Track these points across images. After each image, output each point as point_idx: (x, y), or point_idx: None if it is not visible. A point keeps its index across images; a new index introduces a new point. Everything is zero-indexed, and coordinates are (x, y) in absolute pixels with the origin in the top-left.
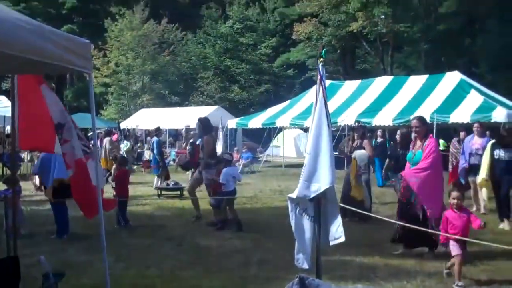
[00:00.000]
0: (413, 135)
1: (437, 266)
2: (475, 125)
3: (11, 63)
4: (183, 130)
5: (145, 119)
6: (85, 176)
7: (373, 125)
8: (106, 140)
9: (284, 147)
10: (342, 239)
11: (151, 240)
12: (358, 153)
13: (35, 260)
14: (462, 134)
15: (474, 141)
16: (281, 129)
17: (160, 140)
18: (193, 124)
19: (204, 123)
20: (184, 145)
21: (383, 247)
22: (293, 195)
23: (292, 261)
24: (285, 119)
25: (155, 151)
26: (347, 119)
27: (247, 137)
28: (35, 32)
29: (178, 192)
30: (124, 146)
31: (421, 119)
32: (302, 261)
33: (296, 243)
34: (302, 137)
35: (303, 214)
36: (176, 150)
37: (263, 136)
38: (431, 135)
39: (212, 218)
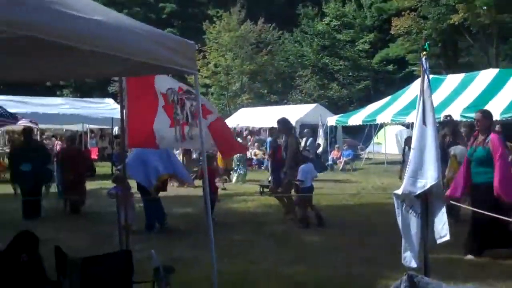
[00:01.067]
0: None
1: None
2: None
3: (122, 65)
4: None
5: (244, 118)
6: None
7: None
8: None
9: (385, 143)
10: (447, 237)
11: (255, 237)
12: (458, 149)
13: (146, 254)
14: None
15: None
16: (382, 126)
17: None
18: (292, 122)
19: (284, 124)
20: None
21: None
22: (399, 191)
23: (397, 259)
24: (386, 115)
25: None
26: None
27: (347, 134)
28: (147, 36)
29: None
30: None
31: (484, 112)
32: (409, 259)
33: (403, 240)
34: (404, 133)
35: (410, 211)
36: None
37: (364, 133)
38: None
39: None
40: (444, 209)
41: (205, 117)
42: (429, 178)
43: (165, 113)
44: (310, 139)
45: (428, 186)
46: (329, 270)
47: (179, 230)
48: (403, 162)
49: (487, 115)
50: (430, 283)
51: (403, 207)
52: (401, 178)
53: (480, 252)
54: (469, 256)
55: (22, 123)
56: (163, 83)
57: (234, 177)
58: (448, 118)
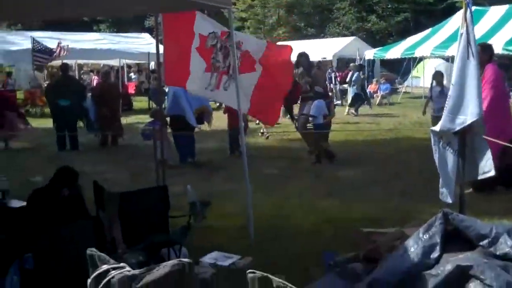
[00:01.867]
0: None
1: None
2: None
3: (156, 2)
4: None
5: None
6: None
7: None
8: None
9: (424, 77)
10: (492, 173)
11: (289, 171)
12: None
13: (182, 189)
14: None
15: None
16: (421, 59)
17: None
18: (329, 56)
19: (307, 58)
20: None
21: None
22: (437, 128)
23: (433, 195)
24: (426, 48)
25: None
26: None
27: (385, 67)
28: None
29: None
30: None
31: (482, 45)
32: (445, 195)
33: (440, 177)
34: (442, 67)
35: (447, 147)
36: None
37: (402, 67)
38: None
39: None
40: (486, 145)
41: (252, 68)
42: (469, 114)
43: (199, 55)
44: (356, 73)
45: (468, 122)
46: (363, 205)
47: (212, 164)
48: (430, 98)
49: (485, 48)
50: (465, 220)
51: (440, 144)
52: (424, 113)
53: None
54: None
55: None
56: (205, 25)
57: None
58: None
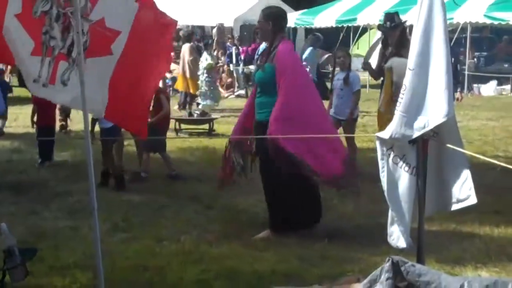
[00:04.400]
0: None
1: None
2: None
3: None
4: (214, 30)
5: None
6: None
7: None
8: (186, 48)
9: (371, 56)
10: (473, 200)
11: (167, 200)
12: (396, 62)
13: None
14: None
15: None
16: (365, 30)
17: None
18: (229, 21)
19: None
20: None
21: None
22: (385, 134)
23: (380, 235)
24: (371, 13)
25: None
26: (471, 14)
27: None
28: None
29: (207, 127)
30: (204, 59)
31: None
32: (396, 237)
33: (389, 209)
34: None
35: (400, 163)
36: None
37: (338, 40)
38: None
39: None
40: (465, 159)
41: (108, 49)
42: (433, 114)
43: (23, 28)
44: (309, 49)
45: (431, 126)
46: (276, 251)
47: (50, 188)
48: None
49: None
50: (424, 273)
51: (391, 158)
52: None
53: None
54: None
55: None
56: None
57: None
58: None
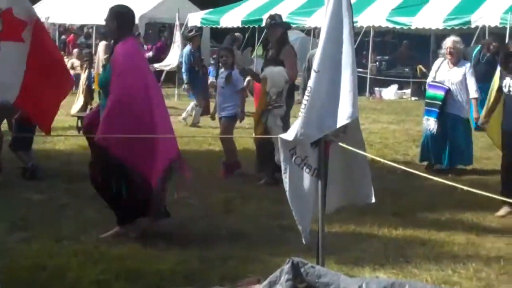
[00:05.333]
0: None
1: (497, 245)
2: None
3: None
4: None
5: (58, 8)
6: None
7: (412, 27)
8: (101, 46)
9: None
10: (371, 199)
11: (68, 198)
12: (269, 72)
13: None
14: None
15: None
16: None
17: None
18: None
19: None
20: None
21: (418, 215)
22: (288, 135)
23: (282, 236)
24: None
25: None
26: (374, 18)
27: (216, 41)
28: None
29: None
30: None
31: None
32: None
33: (292, 208)
34: (304, 44)
35: (302, 165)
36: None
37: (243, 40)
38: None
39: None
40: (365, 161)
41: (19, 37)
42: (337, 115)
43: None
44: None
45: (334, 128)
46: (181, 252)
47: None
48: (303, 89)
49: None
50: (323, 275)
51: (293, 159)
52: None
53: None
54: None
55: None
56: None
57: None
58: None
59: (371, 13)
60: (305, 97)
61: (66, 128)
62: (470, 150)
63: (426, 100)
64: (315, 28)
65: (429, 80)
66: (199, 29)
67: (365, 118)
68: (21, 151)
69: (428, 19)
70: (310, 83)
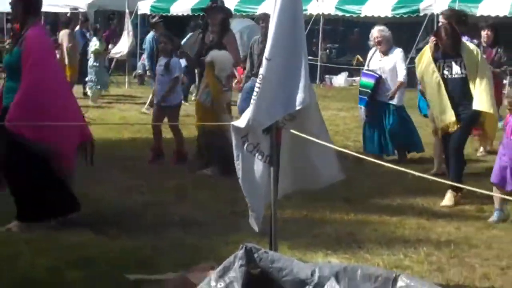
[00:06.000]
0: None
1: (447, 229)
2: None
3: None
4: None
5: None
6: None
7: (361, 15)
8: (64, 34)
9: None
10: (340, 175)
11: None
12: (216, 56)
13: None
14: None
15: None
16: None
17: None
18: (83, 5)
19: None
20: None
21: (369, 201)
22: (240, 123)
23: (235, 223)
24: (229, 1)
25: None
26: (322, 5)
27: (169, 30)
28: None
29: None
30: (93, 45)
31: None
32: (253, 221)
33: (245, 194)
34: (254, 32)
35: (254, 152)
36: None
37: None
38: None
39: None
40: (327, 138)
41: None
42: (288, 102)
43: None
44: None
45: (285, 114)
46: (129, 238)
47: None
48: (248, 78)
49: None
50: (277, 259)
51: (245, 147)
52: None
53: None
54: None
55: None
56: None
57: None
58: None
59: (321, 1)
60: (257, 85)
61: None
62: (414, 137)
63: (360, 89)
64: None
65: (364, 69)
66: (162, 16)
67: None
68: None
69: (377, 7)
70: (262, 70)
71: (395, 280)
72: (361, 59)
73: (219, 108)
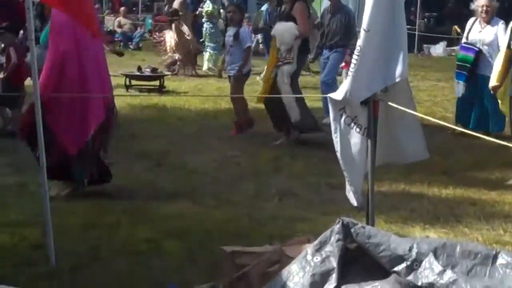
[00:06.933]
0: None
1: None
2: None
3: None
4: None
5: None
6: None
7: None
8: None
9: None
10: (425, 155)
11: (116, 157)
12: (277, 30)
13: None
14: None
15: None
16: None
17: None
18: None
19: None
20: (166, 7)
21: (468, 174)
22: (337, 95)
23: (330, 195)
24: None
25: None
26: None
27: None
28: None
29: (157, 83)
30: (206, 6)
31: None
32: (350, 195)
33: (343, 169)
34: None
35: (352, 125)
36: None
37: None
38: None
39: None
40: (415, 121)
41: None
42: (387, 74)
43: None
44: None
45: (383, 86)
46: (226, 209)
47: None
48: (320, 49)
49: None
50: (374, 234)
51: (343, 119)
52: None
53: None
54: None
55: None
56: None
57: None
58: None
59: None
60: (354, 57)
61: (114, 87)
62: (500, 115)
63: (457, 63)
64: None
65: (462, 41)
66: None
67: (414, 76)
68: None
69: None
70: (359, 42)
71: (495, 257)
72: (458, 30)
73: (279, 79)
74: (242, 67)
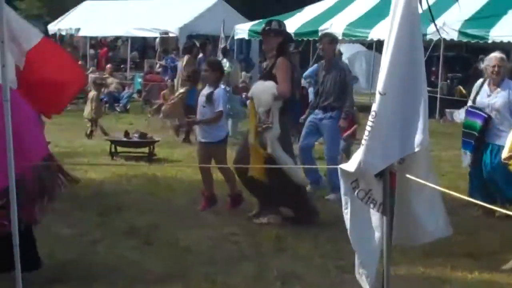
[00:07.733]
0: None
1: None
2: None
3: None
4: (157, 40)
5: (89, 20)
6: None
7: (489, 41)
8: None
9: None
10: (447, 231)
11: (100, 233)
12: (255, 89)
13: None
14: None
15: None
16: None
17: None
18: (173, 29)
19: None
20: (158, 65)
21: (497, 257)
22: (349, 166)
23: (339, 277)
24: (337, 24)
25: None
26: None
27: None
28: None
29: (147, 150)
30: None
31: None
32: (365, 277)
33: (354, 248)
34: (363, 58)
35: (366, 200)
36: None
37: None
38: None
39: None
40: (437, 193)
41: None
42: (405, 143)
43: None
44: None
45: (401, 156)
46: None
47: None
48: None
49: None
50: None
51: (356, 193)
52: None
53: None
54: None
55: None
56: None
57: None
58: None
59: (441, 25)
60: (369, 123)
61: (98, 154)
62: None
63: (463, 130)
64: (378, 40)
65: (468, 105)
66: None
67: (435, 144)
68: None
69: (508, 30)
70: (374, 107)
71: None
72: (463, 91)
73: (271, 149)
74: (224, 129)
